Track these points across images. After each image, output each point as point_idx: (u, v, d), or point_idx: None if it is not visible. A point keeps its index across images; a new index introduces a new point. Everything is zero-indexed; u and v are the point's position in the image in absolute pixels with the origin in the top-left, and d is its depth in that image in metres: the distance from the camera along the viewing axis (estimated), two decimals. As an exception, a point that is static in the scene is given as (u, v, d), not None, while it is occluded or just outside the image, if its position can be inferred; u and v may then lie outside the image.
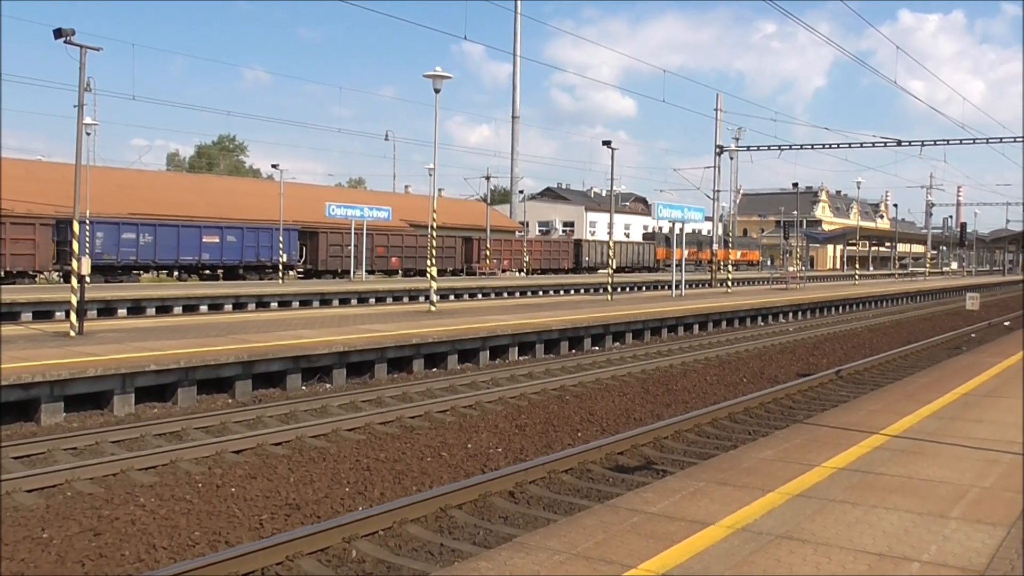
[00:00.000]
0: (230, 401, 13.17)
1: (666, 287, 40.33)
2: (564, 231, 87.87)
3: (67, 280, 34.56)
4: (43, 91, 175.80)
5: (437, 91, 21.74)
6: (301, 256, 44.65)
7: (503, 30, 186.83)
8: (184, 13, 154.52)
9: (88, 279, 17.28)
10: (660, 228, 74.98)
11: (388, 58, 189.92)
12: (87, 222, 35.24)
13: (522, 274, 55.25)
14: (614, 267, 34.25)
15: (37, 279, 34.55)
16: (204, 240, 39.51)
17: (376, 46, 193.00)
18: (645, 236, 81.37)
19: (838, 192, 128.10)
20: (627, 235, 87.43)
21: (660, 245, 70.49)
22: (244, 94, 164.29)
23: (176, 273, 39.84)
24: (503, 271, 55.34)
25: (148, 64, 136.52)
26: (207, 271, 40.47)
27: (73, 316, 16.04)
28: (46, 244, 34.53)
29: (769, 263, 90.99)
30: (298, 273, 44.83)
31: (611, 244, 33.88)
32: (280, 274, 39.72)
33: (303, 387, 14.35)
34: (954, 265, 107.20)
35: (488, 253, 54.11)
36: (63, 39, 15.53)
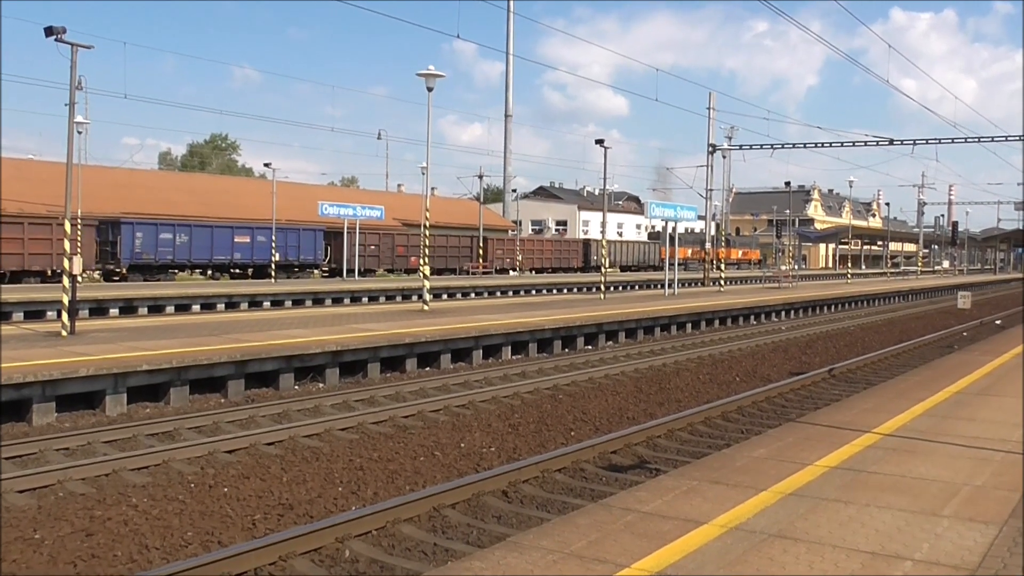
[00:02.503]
0: (223, 401, 13.14)
1: (659, 286, 40.37)
2: (557, 230, 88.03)
3: (108, 279, 36.39)
4: (34, 90, 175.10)
5: (430, 90, 21.74)
6: (326, 256, 45.82)
7: (495, 28, 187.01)
8: (173, 11, 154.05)
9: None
10: (653, 226, 75.12)
11: (380, 57, 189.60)
12: (130, 223, 37.44)
13: (515, 272, 55.40)
14: (607, 266, 34.27)
15: (80, 278, 34.94)
16: (236, 240, 41.00)
17: (367, 45, 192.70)
18: (650, 235, 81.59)
19: (830, 191, 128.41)
20: (620, 234, 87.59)
21: (664, 244, 70.91)
22: (234, 93, 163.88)
23: (209, 272, 41.13)
24: (514, 270, 56.44)
25: (139, 62, 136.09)
26: (238, 270, 41.80)
27: (64, 316, 15.98)
28: (90, 244, 35.83)
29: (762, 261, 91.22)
30: (323, 272, 46.00)
31: (604, 243, 33.91)
32: (272, 273, 39.82)
33: (296, 387, 14.32)
34: (946, 264, 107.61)
35: (481, 253, 54.21)
36: (54, 37, 15.48)
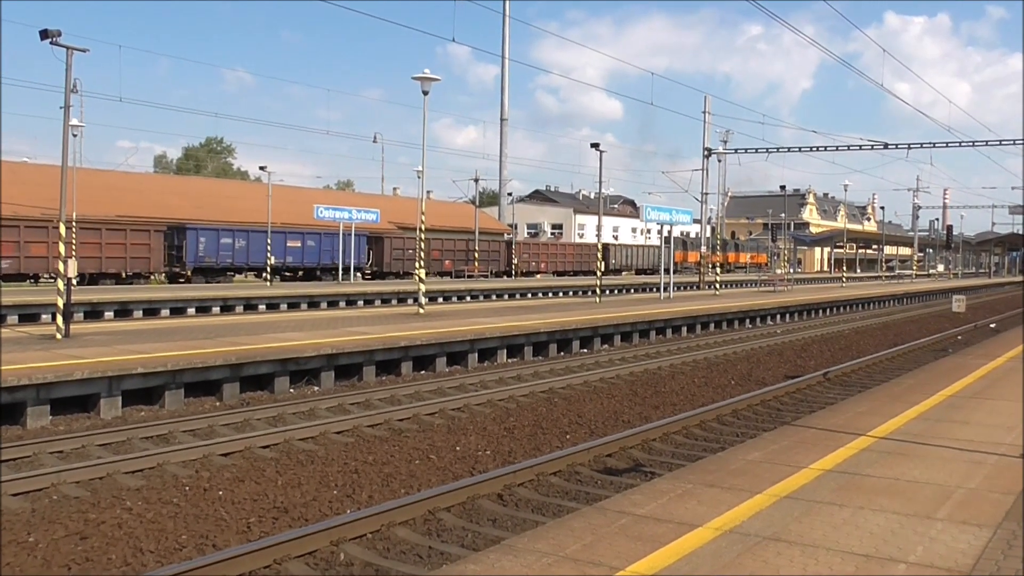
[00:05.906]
0: (218, 404, 13.12)
1: (655, 289, 40.41)
2: (552, 233, 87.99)
3: (172, 281, 38.63)
4: (28, 93, 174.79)
5: (425, 93, 21.73)
6: (369, 259, 47.97)
7: (489, 31, 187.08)
8: (166, 14, 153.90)
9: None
10: (648, 230, 75.16)
11: (374, 60, 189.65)
12: (195, 229, 39.96)
13: (509, 277, 55.47)
14: (602, 269, 34.29)
15: (151, 280, 38.09)
16: (288, 244, 43.34)
17: (362, 48, 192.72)
18: (664, 240, 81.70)
19: (825, 195, 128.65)
20: (615, 237, 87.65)
21: (678, 248, 71.13)
22: (228, 96, 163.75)
23: (263, 274, 42.72)
24: (539, 274, 58.77)
25: (133, 65, 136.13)
26: (288, 272, 43.87)
27: (59, 319, 15.94)
28: (159, 248, 38.31)
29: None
30: (365, 275, 47.78)
31: (599, 247, 33.96)
32: (269, 276, 40.06)
33: (291, 390, 14.31)
34: (940, 267, 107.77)
35: (477, 255, 54.33)
36: (49, 40, 15.45)
